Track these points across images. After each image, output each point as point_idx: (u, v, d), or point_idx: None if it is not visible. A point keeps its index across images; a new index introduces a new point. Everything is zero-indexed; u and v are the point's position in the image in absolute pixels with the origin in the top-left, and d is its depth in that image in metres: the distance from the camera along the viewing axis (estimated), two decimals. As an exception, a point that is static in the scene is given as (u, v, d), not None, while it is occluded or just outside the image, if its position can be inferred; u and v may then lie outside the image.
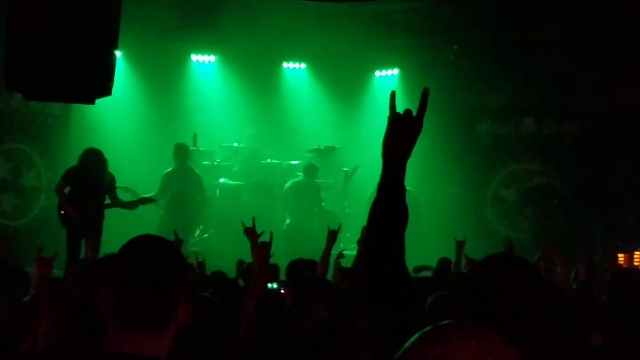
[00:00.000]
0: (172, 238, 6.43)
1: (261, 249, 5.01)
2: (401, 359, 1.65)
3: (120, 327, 2.16)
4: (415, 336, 1.67)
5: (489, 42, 13.38)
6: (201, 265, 7.87)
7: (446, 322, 1.70)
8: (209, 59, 15.38)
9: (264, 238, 5.26)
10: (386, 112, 2.77)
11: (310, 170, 14.17)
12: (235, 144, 14.96)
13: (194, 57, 15.37)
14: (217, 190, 14.45)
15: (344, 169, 14.54)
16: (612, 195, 12.63)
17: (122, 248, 2.26)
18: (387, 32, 14.04)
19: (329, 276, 6.66)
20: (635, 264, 11.50)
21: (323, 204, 14.51)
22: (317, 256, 6.96)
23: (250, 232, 5.34)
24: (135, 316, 2.15)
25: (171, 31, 14.03)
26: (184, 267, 2.28)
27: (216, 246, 13.04)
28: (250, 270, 5.38)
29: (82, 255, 9.53)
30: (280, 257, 6.16)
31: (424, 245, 9.62)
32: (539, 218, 13.08)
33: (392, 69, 15.40)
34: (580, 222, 12.76)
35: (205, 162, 14.45)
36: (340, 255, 7.17)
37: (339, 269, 6.80)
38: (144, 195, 11.61)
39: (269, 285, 5.79)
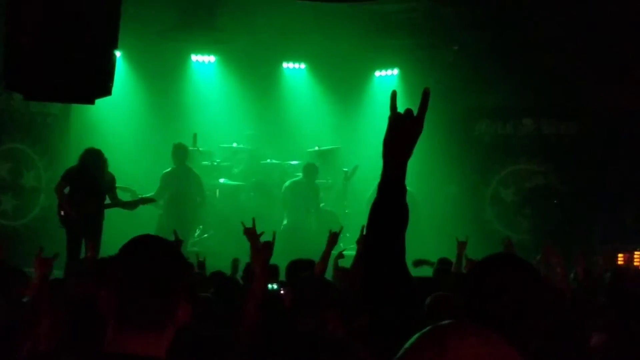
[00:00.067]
0: (171, 238, 6.44)
1: (262, 252, 5.01)
2: (401, 359, 1.65)
3: (120, 327, 2.16)
4: (415, 336, 1.67)
5: (489, 43, 13.38)
6: (201, 265, 7.87)
7: (446, 322, 1.71)
8: (209, 59, 15.39)
9: (265, 238, 5.26)
10: (386, 112, 2.77)
11: (310, 170, 14.12)
12: (235, 144, 14.96)
13: (194, 57, 15.37)
14: (217, 191, 14.45)
15: (344, 169, 14.54)
16: (611, 196, 12.63)
17: (122, 248, 2.26)
18: (386, 32, 14.04)
19: (329, 276, 6.66)
20: (635, 264, 11.50)
21: (322, 204, 14.50)
22: (314, 257, 6.96)
23: (250, 233, 5.34)
24: (135, 316, 2.15)
25: (171, 31, 14.04)
26: (184, 267, 2.28)
27: (216, 246, 13.03)
28: (251, 271, 5.37)
29: (82, 255, 9.54)
30: (278, 258, 6.16)
31: (424, 245, 9.60)
32: (538, 218, 13.08)
33: (392, 69, 15.40)
34: (579, 222, 12.76)
35: (204, 162, 14.45)
36: (340, 255, 7.17)
37: (338, 269, 6.79)
38: (143, 195, 11.61)
39: (269, 285, 5.78)
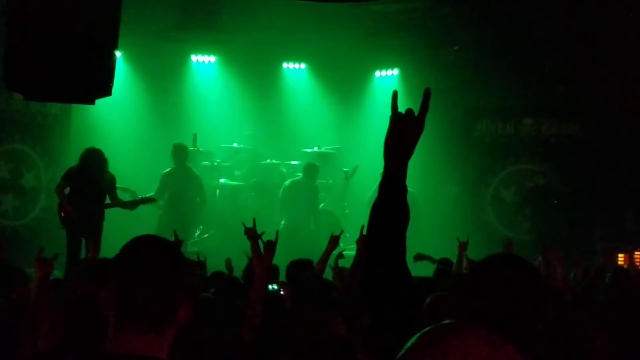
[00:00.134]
0: (170, 238, 6.43)
1: (265, 252, 5.01)
2: (402, 359, 1.65)
3: (121, 327, 2.16)
4: (416, 336, 1.67)
5: (489, 43, 13.38)
6: (202, 265, 7.86)
7: (446, 322, 1.71)
8: (209, 59, 15.40)
9: (266, 238, 5.26)
10: (386, 112, 2.77)
11: (310, 171, 14.09)
12: (235, 145, 14.97)
13: (194, 58, 15.38)
14: (217, 191, 14.45)
15: (344, 169, 14.53)
16: (611, 196, 12.62)
17: (122, 248, 2.26)
18: (387, 33, 14.05)
19: (328, 277, 6.66)
20: (634, 264, 11.50)
21: (322, 204, 14.50)
22: (313, 257, 6.97)
23: (251, 233, 5.34)
24: (135, 316, 2.15)
25: (171, 31, 14.05)
26: (184, 267, 2.28)
27: (216, 246, 13.01)
28: (251, 271, 5.37)
29: (83, 255, 9.54)
30: (276, 258, 6.15)
31: (424, 245, 9.59)
32: (539, 218, 13.08)
33: (392, 69, 15.40)
34: (579, 223, 12.75)
35: (205, 163, 14.45)
36: (340, 255, 7.17)
37: (338, 269, 6.79)
38: (143, 195, 11.60)
39: (269, 286, 5.78)
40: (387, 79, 15.45)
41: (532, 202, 13.34)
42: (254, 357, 4.42)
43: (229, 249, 11.15)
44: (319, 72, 15.59)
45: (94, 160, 10.36)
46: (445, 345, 1.62)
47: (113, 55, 6.11)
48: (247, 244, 5.26)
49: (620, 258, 11.47)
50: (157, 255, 2.23)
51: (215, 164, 14.61)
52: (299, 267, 6.76)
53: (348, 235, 12.91)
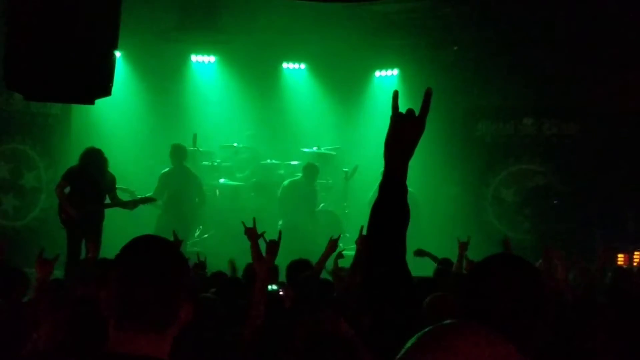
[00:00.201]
0: (169, 238, 6.43)
1: (268, 252, 5.01)
2: (402, 358, 1.65)
3: (121, 327, 2.16)
4: (416, 336, 1.67)
5: (489, 43, 13.38)
6: (202, 265, 7.86)
7: (447, 322, 1.71)
8: (209, 59, 15.39)
9: (269, 238, 5.27)
10: (386, 112, 2.77)
11: (310, 171, 14.05)
12: (235, 144, 14.96)
13: (194, 58, 15.38)
14: (217, 191, 14.45)
15: (344, 169, 14.53)
16: (612, 196, 12.62)
17: (123, 248, 2.26)
18: (387, 33, 14.05)
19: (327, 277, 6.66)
20: (635, 264, 11.49)
21: (322, 204, 14.49)
22: (311, 257, 6.96)
23: (251, 233, 5.35)
24: (136, 316, 2.15)
25: (171, 31, 14.05)
26: (185, 267, 2.28)
27: (216, 246, 13.01)
28: (252, 271, 5.37)
29: (83, 255, 9.54)
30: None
31: (425, 245, 9.59)
32: (539, 218, 13.07)
33: (392, 69, 15.39)
34: (579, 223, 12.75)
35: (205, 163, 14.45)
36: (340, 255, 7.17)
37: (338, 269, 6.80)
38: (142, 195, 11.60)
39: (269, 286, 5.78)
40: (387, 79, 15.44)
41: (532, 202, 13.34)
42: (255, 357, 4.42)
43: (229, 249, 11.16)
44: (319, 72, 15.59)
45: (94, 160, 10.36)
46: (445, 345, 1.62)
47: (113, 56, 6.11)
48: (247, 244, 5.26)
49: (620, 258, 11.46)
50: (158, 255, 2.23)
51: (215, 164, 14.61)
52: (298, 267, 6.76)
53: (348, 235, 12.92)
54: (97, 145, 10.71)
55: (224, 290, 5.85)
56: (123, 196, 11.30)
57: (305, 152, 14.81)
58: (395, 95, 2.80)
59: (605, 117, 12.98)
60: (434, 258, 8.33)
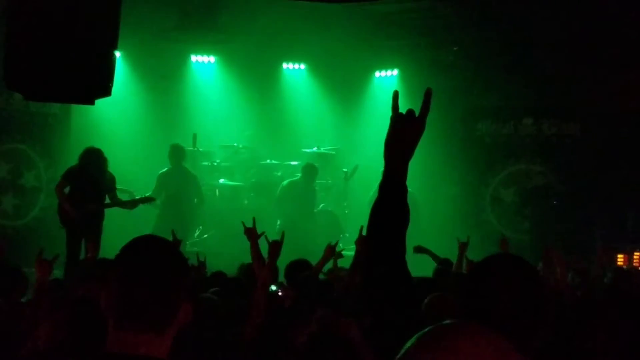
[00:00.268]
0: (168, 238, 6.42)
1: (269, 257, 5.01)
2: (402, 359, 1.65)
3: (121, 327, 2.16)
4: (416, 336, 1.67)
5: (489, 43, 13.38)
6: (202, 265, 7.85)
7: (447, 322, 1.70)
8: (209, 59, 15.40)
9: (264, 239, 5.26)
10: (386, 113, 2.77)
11: (309, 171, 14.01)
12: (235, 145, 14.96)
13: (194, 58, 15.38)
14: (217, 191, 14.44)
15: (344, 169, 14.53)
16: (612, 196, 12.62)
17: (123, 248, 2.26)
18: (386, 33, 14.05)
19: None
20: (634, 264, 11.49)
21: (322, 204, 14.48)
22: (309, 257, 6.96)
23: (251, 233, 5.35)
24: (135, 316, 2.15)
25: (171, 32, 14.04)
26: (184, 267, 2.28)
27: (216, 246, 13.02)
28: (251, 271, 5.37)
29: (82, 255, 9.53)
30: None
31: (424, 245, 9.59)
32: (539, 218, 13.07)
33: (392, 70, 15.40)
34: (579, 223, 12.74)
35: (204, 163, 14.45)
36: (339, 255, 7.16)
37: (337, 269, 6.79)
38: (140, 195, 11.58)
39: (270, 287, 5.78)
40: (386, 80, 15.45)
41: (532, 202, 13.33)
42: (255, 357, 4.42)
43: (228, 249, 11.18)
44: (318, 73, 15.59)
45: (94, 159, 10.35)
46: (445, 345, 1.62)
47: (113, 56, 6.11)
48: (247, 244, 5.26)
49: (620, 258, 11.46)
50: (157, 255, 2.23)
51: (215, 164, 14.62)
52: (297, 267, 6.76)
53: (347, 235, 12.93)
54: (97, 146, 10.70)
55: (224, 290, 5.85)
56: (122, 196, 11.28)
57: (305, 152, 14.81)
58: (396, 96, 2.80)
59: (605, 117, 12.98)
60: (434, 256, 8.33)
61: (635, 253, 11.57)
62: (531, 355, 2.35)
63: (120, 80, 11.55)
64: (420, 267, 7.64)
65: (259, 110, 15.34)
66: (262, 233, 5.43)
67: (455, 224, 12.77)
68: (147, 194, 11.84)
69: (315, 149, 14.79)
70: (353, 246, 7.70)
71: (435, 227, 13.07)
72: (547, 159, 13.72)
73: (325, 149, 14.96)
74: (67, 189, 10.29)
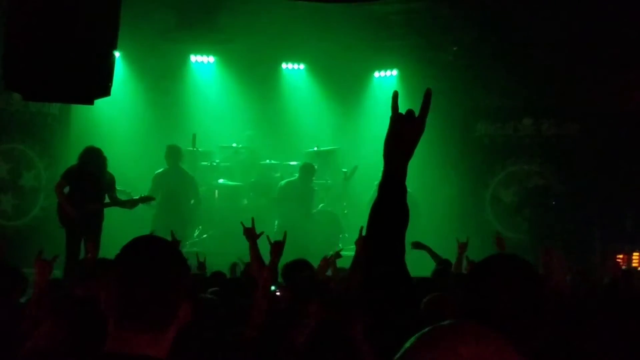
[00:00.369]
0: (164, 239, 6.42)
1: (271, 258, 5.01)
2: (401, 359, 1.65)
3: (121, 327, 2.16)
4: (415, 337, 1.67)
5: (488, 43, 13.37)
6: (201, 265, 7.86)
7: (446, 322, 1.70)
8: (208, 59, 15.39)
9: (265, 238, 5.26)
10: (385, 113, 2.78)
11: (306, 171, 13.99)
12: (234, 145, 14.95)
13: (193, 58, 15.37)
14: (216, 191, 14.43)
15: (343, 169, 14.52)
16: (611, 196, 12.62)
17: (123, 248, 2.26)
18: (386, 33, 14.04)
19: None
20: (633, 265, 11.50)
21: (322, 204, 14.47)
22: (306, 257, 6.96)
23: (250, 233, 5.35)
24: (135, 316, 2.15)
25: (170, 32, 14.03)
26: (184, 267, 2.28)
27: (216, 246, 13.02)
28: (251, 272, 5.37)
29: (82, 255, 9.52)
30: (267, 259, 6.18)
31: (423, 245, 9.63)
32: (538, 219, 13.07)
33: (392, 70, 15.40)
34: (579, 223, 12.75)
35: (204, 163, 14.45)
36: (338, 255, 7.17)
37: (336, 270, 6.80)
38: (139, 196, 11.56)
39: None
40: (386, 80, 15.45)
41: (531, 202, 13.34)
42: (255, 357, 4.42)
43: (228, 249, 11.17)
44: (318, 73, 15.58)
45: (93, 158, 10.34)
46: (445, 345, 1.62)
47: (112, 56, 6.10)
48: (246, 244, 5.27)
49: (620, 259, 11.47)
50: (158, 255, 2.23)
51: (215, 164, 14.61)
52: (295, 267, 6.76)
53: (347, 235, 12.92)
54: (97, 145, 10.69)
55: (224, 290, 5.85)
56: (120, 197, 11.28)
57: (305, 152, 14.80)
58: (395, 96, 2.80)
59: (605, 117, 12.98)
60: (432, 253, 8.33)
61: (635, 253, 11.59)
62: (531, 355, 2.35)
63: (119, 80, 11.58)
64: (419, 267, 7.66)
65: (258, 110, 15.33)
66: (261, 233, 5.43)
67: (454, 224, 12.78)
68: (145, 194, 11.82)
69: (315, 148, 14.79)
70: (352, 246, 7.71)
71: (434, 228, 13.06)
72: (547, 159, 13.72)
73: (325, 149, 14.94)
74: (66, 189, 10.28)
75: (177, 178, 13.16)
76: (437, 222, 13.50)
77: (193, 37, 14.37)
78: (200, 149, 14.17)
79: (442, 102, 12.24)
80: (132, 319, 2.15)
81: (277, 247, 5.15)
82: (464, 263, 7.56)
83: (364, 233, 2.91)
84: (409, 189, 2.72)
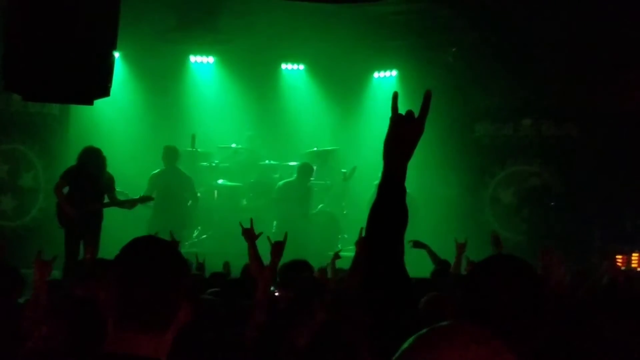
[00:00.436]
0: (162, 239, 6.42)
1: (272, 259, 5.01)
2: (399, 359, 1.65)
3: (121, 327, 2.16)
4: (413, 338, 1.67)
5: (488, 43, 13.37)
6: (201, 266, 7.86)
7: (444, 323, 1.70)
8: (208, 60, 15.39)
9: (265, 238, 5.26)
10: (385, 114, 2.78)
11: (304, 171, 13.98)
12: (234, 145, 14.95)
13: (193, 58, 15.37)
14: (215, 192, 14.42)
15: (343, 170, 14.52)
16: (611, 196, 12.62)
17: (122, 249, 2.26)
18: (385, 34, 14.03)
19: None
20: (633, 265, 11.49)
21: (321, 205, 14.46)
22: (304, 257, 6.96)
23: (249, 234, 5.35)
24: (135, 317, 2.15)
25: (170, 32, 14.03)
26: (184, 268, 2.28)
27: (215, 247, 13.01)
28: (250, 273, 5.37)
29: (81, 255, 9.51)
30: (265, 258, 6.18)
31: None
32: (537, 219, 13.07)
33: (391, 71, 15.40)
34: (578, 223, 12.75)
35: (203, 163, 14.44)
36: (337, 256, 7.16)
37: (335, 271, 6.80)
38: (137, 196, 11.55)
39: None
40: (385, 80, 15.45)
41: (531, 202, 13.33)
42: (255, 358, 4.41)
43: (227, 250, 11.16)
44: (317, 73, 15.58)
45: (92, 158, 10.33)
46: (443, 346, 1.62)
47: (112, 56, 6.11)
48: (245, 245, 5.26)
49: (619, 259, 11.46)
50: (157, 256, 2.23)
51: (214, 164, 14.60)
52: (294, 267, 6.75)
53: (346, 236, 12.92)
54: (96, 146, 10.68)
55: (224, 290, 5.85)
56: (119, 197, 11.27)
57: (305, 153, 14.80)
58: (395, 97, 2.80)
59: (605, 117, 12.97)
60: (431, 252, 8.33)
61: (634, 254, 11.58)
62: (531, 356, 2.35)
63: (119, 80, 11.58)
64: (419, 267, 7.66)
65: (257, 110, 15.32)
66: (260, 234, 5.43)
67: (453, 225, 12.77)
68: (142, 195, 11.82)
69: (314, 149, 14.78)
70: (351, 247, 7.71)
71: (433, 228, 13.06)
72: (546, 160, 13.71)
73: (324, 149, 14.93)
74: (66, 189, 10.28)
75: (173, 179, 13.15)
76: (436, 222, 13.49)
77: (193, 37, 14.36)
78: (199, 150, 14.17)
79: (442, 102, 12.24)
80: (131, 319, 2.15)
81: (278, 248, 5.15)
82: (463, 263, 7.56)
83: (363, 234, 2.91)
84: (408, 190, 2.72)
